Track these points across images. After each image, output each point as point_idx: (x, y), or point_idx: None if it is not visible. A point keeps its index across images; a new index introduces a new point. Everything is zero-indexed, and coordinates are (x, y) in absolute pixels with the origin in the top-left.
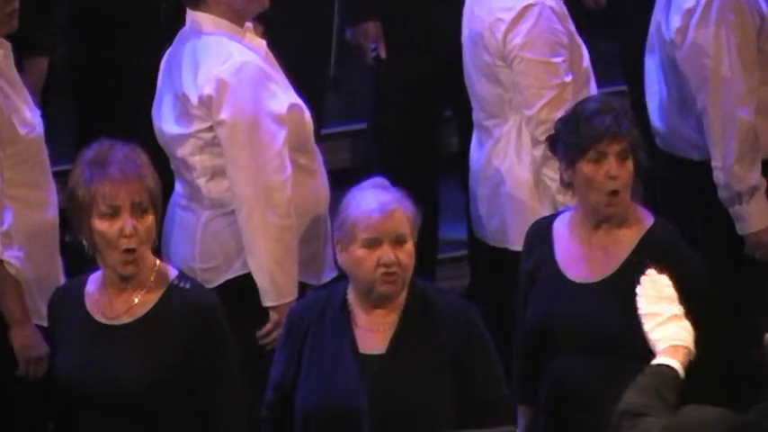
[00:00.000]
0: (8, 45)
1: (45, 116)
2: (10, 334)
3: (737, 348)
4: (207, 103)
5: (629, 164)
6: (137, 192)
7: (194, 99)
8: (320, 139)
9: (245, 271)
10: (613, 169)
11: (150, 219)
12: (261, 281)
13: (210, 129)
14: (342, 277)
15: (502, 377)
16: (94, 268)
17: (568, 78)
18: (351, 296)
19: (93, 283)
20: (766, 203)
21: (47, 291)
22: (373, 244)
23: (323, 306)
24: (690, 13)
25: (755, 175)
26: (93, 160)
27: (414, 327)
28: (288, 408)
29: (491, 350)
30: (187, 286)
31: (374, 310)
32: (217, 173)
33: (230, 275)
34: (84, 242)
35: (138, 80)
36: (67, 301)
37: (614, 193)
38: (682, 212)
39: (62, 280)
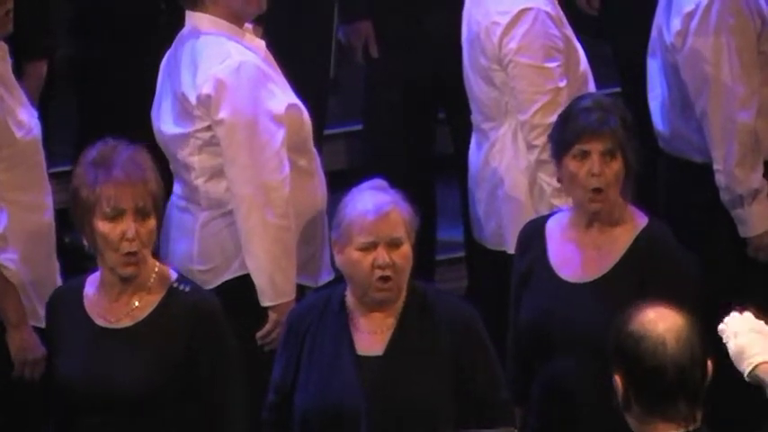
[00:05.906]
0: (5, 48)
1: (46, 117)
2: (6, 337)
3: None
4: (205, 102)
5: (616, 163)
6: (140, 196)
7: (193, 99)
8: (320, 140)
9: (244, 272)
10: (596, 167)
11: (152, 222)
12: (259, 280)
13: (209, 128)
14: (340, 279)
15: (502, 379)
16: (92, 270)
17: (563, 83)
18: (349, 298)
19: (91, 285)
20: None
21: (43, 293)
22: (368, 247)
23: (323, 307)
24: (690, 16)
25: (757, 178)
26: (97, 161)
27: (412, 329)
28: (289, 409)
29: (491, 352)
30: (187, 289)
31: (372, 312)
32: (215, 173)
33: (228, 276)
34: (85, 242)
35: (139, 81)
36: (66, 304)
37: (597, 190)
38: (685, 214)
39: (58, 282)
